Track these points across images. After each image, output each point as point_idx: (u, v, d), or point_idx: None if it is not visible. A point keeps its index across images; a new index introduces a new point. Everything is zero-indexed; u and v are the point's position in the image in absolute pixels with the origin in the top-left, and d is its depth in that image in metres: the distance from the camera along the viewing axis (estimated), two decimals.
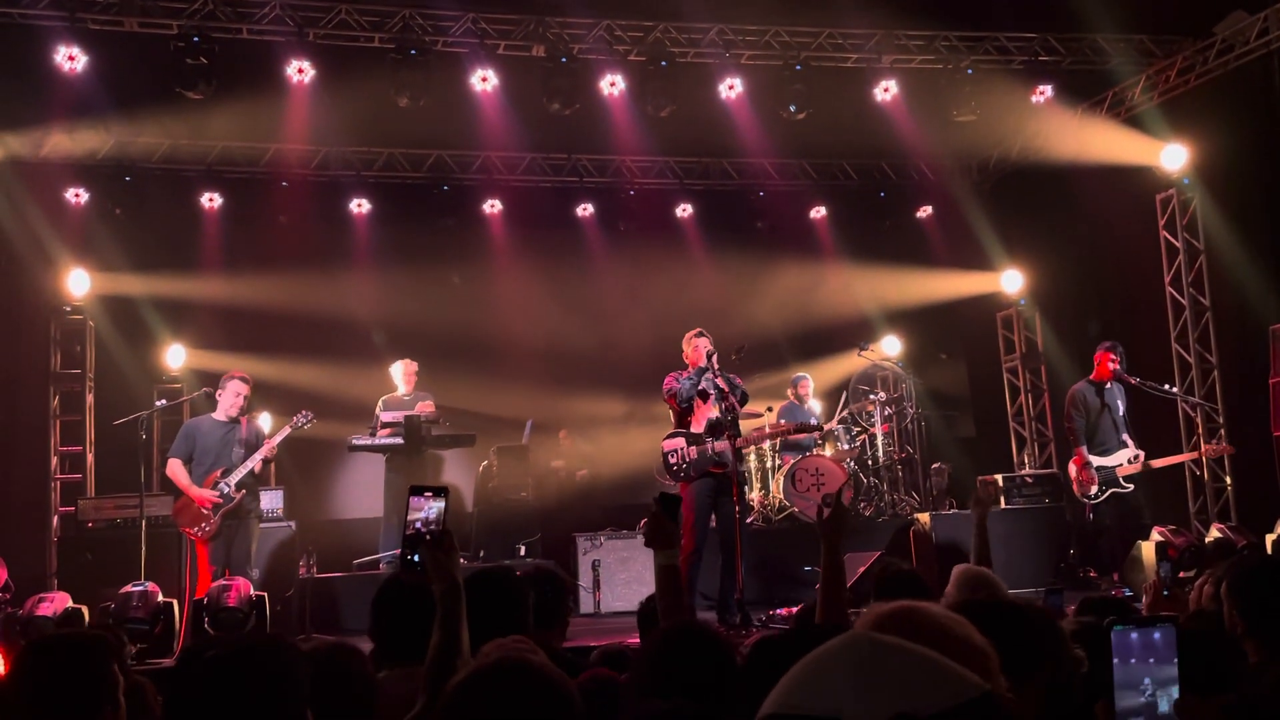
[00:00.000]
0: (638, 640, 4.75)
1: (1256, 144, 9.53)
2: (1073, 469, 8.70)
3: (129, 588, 7.14)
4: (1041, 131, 11.51)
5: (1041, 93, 10.30)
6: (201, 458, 7.79)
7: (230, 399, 7.89)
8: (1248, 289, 9.40)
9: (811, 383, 11.01)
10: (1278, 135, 9.34)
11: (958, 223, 12.38)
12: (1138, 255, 10.76)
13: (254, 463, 7.79)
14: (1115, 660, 1.84)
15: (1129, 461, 8.52)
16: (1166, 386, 9.13)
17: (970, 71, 9.91)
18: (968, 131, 10.81)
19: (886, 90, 10.09)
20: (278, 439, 7.95)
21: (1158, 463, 8.66)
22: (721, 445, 7.35)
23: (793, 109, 9.60)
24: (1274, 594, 2.94)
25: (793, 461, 10.01)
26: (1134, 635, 1.85)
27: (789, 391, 10.90)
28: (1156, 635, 1.87)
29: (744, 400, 7.69)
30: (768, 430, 10.10)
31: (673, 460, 7.47)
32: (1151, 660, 1.86)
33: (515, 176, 12.02)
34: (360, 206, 11.67)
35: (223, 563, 7.60)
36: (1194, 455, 9.31)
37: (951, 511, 10.03)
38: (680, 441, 7.49)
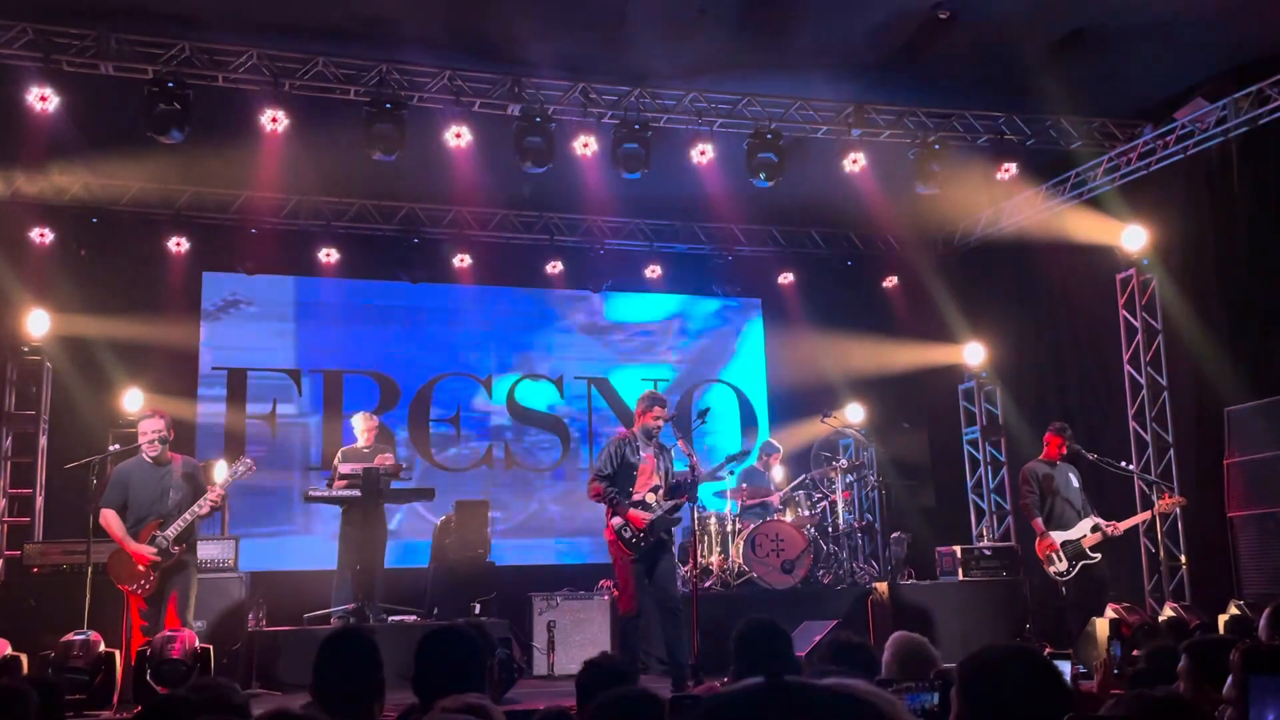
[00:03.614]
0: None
1: (1214, 228, 9.73)
2: (1040, 549, 8.74)
3: (71, 636, 6.98)
4: (1005, 208, 11.71)
5: (1006, 170, 10.46)
6: (135, 505, 7.27)
7: (143, 439, 7.32)
8: (1204, 370, 9.54)
9: (781, 452, 11.04)
10: (1235, 220, 9.54)
11: (922, 294, 12.55)
12: (1098, 333, 10.92)
13: (195, 515, 7.23)
14: None
15: (1091, 531, 8.58)
16: (1123, 464, 9.21)
17: (937, 147, 10.10)
18: (934, 205, 10.99)
19: (855, 162, 10.24)
20: (219, 488, 7.37)
21: (1121, 525, 8.71)
22: (651, 496, 7.42)
23: (762, 176, 9.73)
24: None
25: (753, 526, 9.98)
26: None
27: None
28: None
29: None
30: (728, 495, 10.11)
31: (627, 534, 7.45)
32: None
33: (486, 232, 12.06)
34: (329, 256, 11.64)
35: (155, 616, 7.14)
36: (1148, 515, 9.17)
37: (910, 581, 10.03)
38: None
